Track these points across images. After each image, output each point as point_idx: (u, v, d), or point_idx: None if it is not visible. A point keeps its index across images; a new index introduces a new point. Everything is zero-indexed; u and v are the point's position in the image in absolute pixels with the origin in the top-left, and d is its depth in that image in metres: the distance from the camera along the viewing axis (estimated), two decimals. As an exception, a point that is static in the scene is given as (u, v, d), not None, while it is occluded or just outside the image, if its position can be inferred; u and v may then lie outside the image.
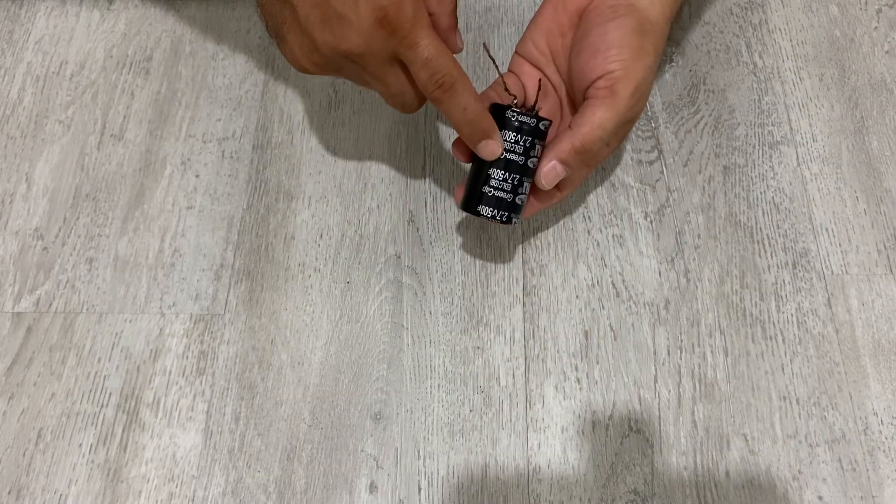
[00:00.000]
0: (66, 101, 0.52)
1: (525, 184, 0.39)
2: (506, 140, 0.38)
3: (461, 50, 0.40)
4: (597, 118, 0.37)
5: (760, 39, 0.54)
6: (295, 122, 0.51)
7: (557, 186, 0.41)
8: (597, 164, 0.40)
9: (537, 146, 0.39)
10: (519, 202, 0.39)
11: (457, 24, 0.39)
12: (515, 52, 0.43)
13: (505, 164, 0.39)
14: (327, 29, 0.35)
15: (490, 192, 0.39)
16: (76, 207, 0.48)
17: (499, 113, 0.39)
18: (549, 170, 0.39)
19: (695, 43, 0.54)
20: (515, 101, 0.40)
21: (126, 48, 0.54)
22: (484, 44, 0.45)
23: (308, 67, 0.37)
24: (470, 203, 0.40)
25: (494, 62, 0.41)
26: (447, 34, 0.39)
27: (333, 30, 0.35)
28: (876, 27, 0.54)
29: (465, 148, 0.40)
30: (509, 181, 0.39)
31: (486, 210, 0.39)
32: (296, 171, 0.50)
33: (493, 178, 0.39)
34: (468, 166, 0.41)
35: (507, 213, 0.39)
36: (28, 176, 0.50)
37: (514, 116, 0.38)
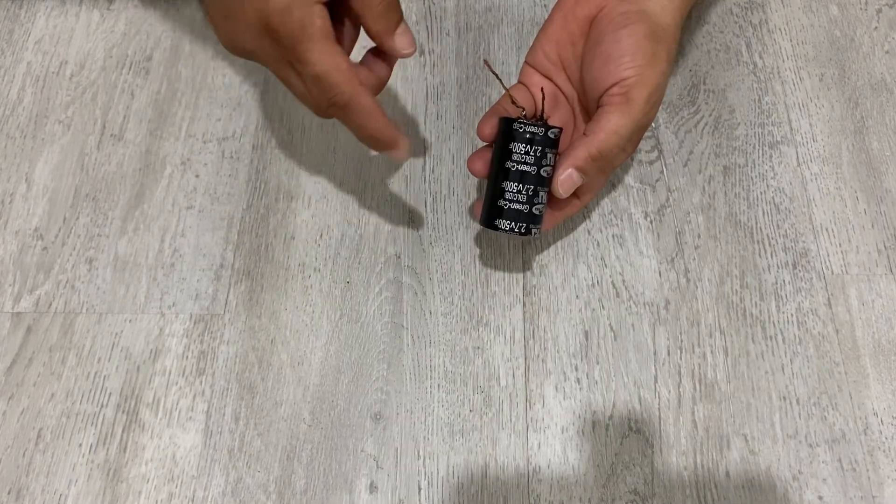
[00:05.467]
0: (66, 101, 0.52)
1: (541, 193, 0.39)
2: (516, 152, 0.38)
3: (410, 55, 0.37)
4: (612, 124, 0.37)
5: (760, 39, 0.54)
6: (295, 122, 0.51)
7: (576, 194, 0.41)
8: (613, 169, 0.40)
9: (549, 155, 0.39)
10: (536, 212, 0.39)
11: (396, 24, 0.36)
12: (525, 62, 0.43)
13: (517, 176, 0.39)
14: (227, 23, 0.34)
15: (506, 205, 0.39)
16: (76, 207, 0.48)
17: (507, 125, 0.39)
18: (566, 178, 0.38)
19: (695, 43, 0.54)
20: (524, 113, 0.40)
21: (126, 48, 0.54)
22: (485, 60, 0.45)
23: (230, 51, 0.37)
24: (488, 218, 0.40)
25: (498, 77, 0.41)
26: (381, 39, 0.36)
27: (230, 26, 0.34)
28: (876, 27, 0.54)
29: (481, 164, 0.40)
30: (524, 192, 0.39)
31: (503, 224, 0.39)
32: (296, 171, 0.50)
33: (508, 190, 0.39)
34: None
35: (525, 225, 0.39)
36: (28, 176, 0.50)
37: (521, 128, 0.38)
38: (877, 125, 0.50)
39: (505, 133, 0.39)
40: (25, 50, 0.54)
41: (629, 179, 0.49)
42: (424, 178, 0.49)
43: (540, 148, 0.38)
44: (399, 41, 0.36)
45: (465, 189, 0.49)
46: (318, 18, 0.33)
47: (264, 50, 0.34)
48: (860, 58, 0.53)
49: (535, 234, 0.40)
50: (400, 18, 0.36)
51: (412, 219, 0.48)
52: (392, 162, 0.38)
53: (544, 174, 0.39)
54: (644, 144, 0.50)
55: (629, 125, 0.37)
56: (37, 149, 0.51)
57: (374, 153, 0.38)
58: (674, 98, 0.51)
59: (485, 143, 0.41)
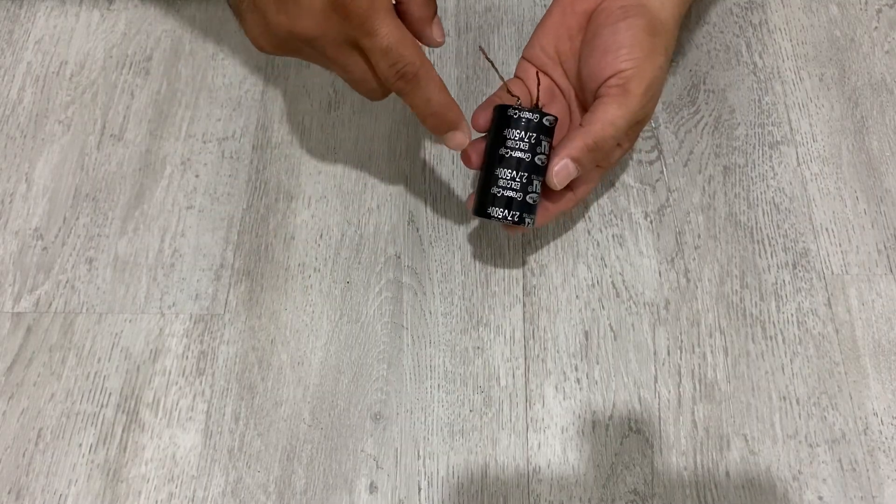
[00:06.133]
0: (66, 101, 0.52)
1: (535, 182, 0.39)
2: (510, 138, 0.38)
3: (440, 44, 0.39)
4: (609, 116, 0.37)
5: (760, 39, 0.54)
6: (295, 122, 0.51)
7: (571, 188, 0.41)
8: (609, 164, 0.40)
9: (543, 142, 0.38)
10: (530, 201, 0.39)
11: (433, 14, 0.38)
12: (522, 56, 0.43)
13: (511, 163, 0.38)
14: (281, 10, 0.33)
15: (499, 192, 0.39)
16: (76, 207, 0.48)
17: (501, 112, 0.39)
18: (561, 168, 0.38)
19: (695, 43, 0.54)
20: (520, 102, 0.40)
21: (126, 48, 0.54)
22: (480, 47, 0.44)
23: (266, 48, 0.36)
24: (481, 207, 0.39)
25: (494, 65, 0.41)
26: (420, 25, 0.37)
27: (288, 11, 0.33)
28: (876, 27, 0.54)
29: (475, 156, 0.40)
30: (517, 179, 0.38)
31: (496, 211, 0.39)
32: (296, 171, 0.50)
33: (501, 178, 0.38)
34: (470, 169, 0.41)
35: (518, 213, 0.39)
36: (28, 176, 0.50)
37: (516, 114, 0.38)
38: (877, 125, 0.50)
39: (499, 120, 0.39)
40: (25, 50, 0.54)
41: (629, 179, 0.49)
42: (424, 178, 0.49)
43: (535, 134, 0.38)
44: (435, 29, 0.38)
45: (465, 189, 0.49)
46: None
47: (328, 32, 0.34)
48: (860, 58, 0.53)
49: (528, 224, 0.39)
50: (436, 9, 0.38)
51: (412, 219, 0.48)
52: (454, 149, 0.38)
53: (538, 162, 0.38)
54: (644, 144, 0.50)
55: (626, 116, 0.37)
56: (37, 149, 0.51)
57: (441, 141, 0.39)
58: (674, 98, 0.51)
59: (479, 136, 0.41)
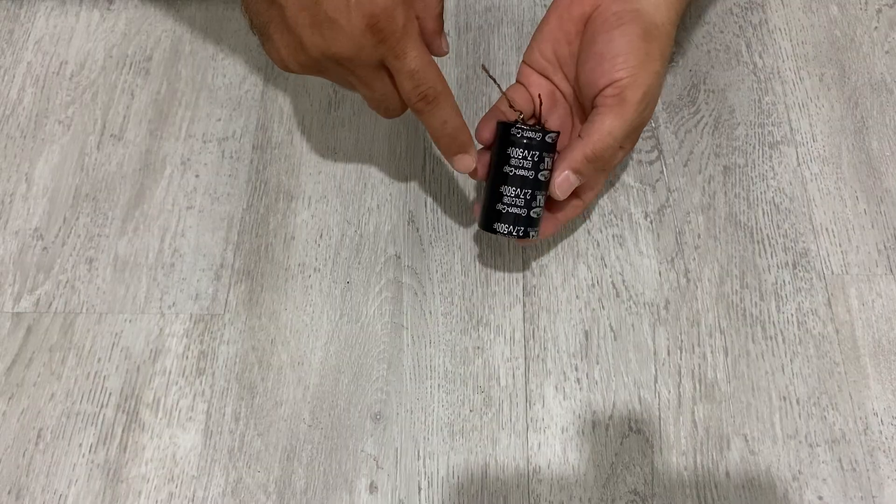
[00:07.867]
0: (66, 101, 0.52)
1: (538, 197, 0.39)
2: (513, 157, 0.39)
3: (446, 54, 0.40)
4: (606, 126, 0.37)
5: (760, 39, 0.54)
6: (295, 122, 0.51)
7: (577, 195, 0.41)
8: (611, 168, 0.40)
9: (546, 159, 0.39)
10: (534, 216, 0.40)
11: (442, 27, 0.39)
12: (522, 61, 0.43)
13: (515, 181, 0.39)
14: (316, 32, 0.35)
15: (504, 209, 0.39)
16: (76, 207, 0.48)
17: (504, 130, 0.39)
18: (563, 180, 0.39)
19: (695, 43, 0.54)
20: (522, 116, 0.40)
21: (126, 48, 0.54)
22: (483, 65, 0.45)
23: (292, 67, 0.37)
24: (487, 222, 0.40)
25: (496, 81, 0.41)
26: (431, 38, 0.39)
27: (323, 33, 0.34)
28: (876, 27, 0.54)
29: (480, 168, 0.41)
30: (521, 196, 0.39)
31: (502, 227, 0.39)
32: (296, 171, 0.50)
33: (506, 195, 0.39)
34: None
35: (523, 228, 0.39)
36: (28, 176, 0.50)
37: (519, 133, 0.38)
38: (877, 125, 0.50)
39: (503, 138, 0.39)
40: (25, 50, 0.54)
41: (629, 179, 0.49)
42: (424, 178, 0.49)
43: (537, 152, 0.38)
44: (443, 41, 0.40)
45: (465, 189, 0.49)
46: (413, 19, 0.36)
47: (362, 53, 0.35)
48: (860, 58, 0.53)
49: (532, 237, 0.40)
50: (443, 23, 0.40)
51: (412, 219, 0.48)
52: (461, 172, 0.40)
53: (542, 178, 0.39)
54: (644, 144, 0.50)
55: (623, 126, 0.37)
56: (37, 149, 0.51)
57: (453, 164, 0.41)
58: (674, 98, 0.51)
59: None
